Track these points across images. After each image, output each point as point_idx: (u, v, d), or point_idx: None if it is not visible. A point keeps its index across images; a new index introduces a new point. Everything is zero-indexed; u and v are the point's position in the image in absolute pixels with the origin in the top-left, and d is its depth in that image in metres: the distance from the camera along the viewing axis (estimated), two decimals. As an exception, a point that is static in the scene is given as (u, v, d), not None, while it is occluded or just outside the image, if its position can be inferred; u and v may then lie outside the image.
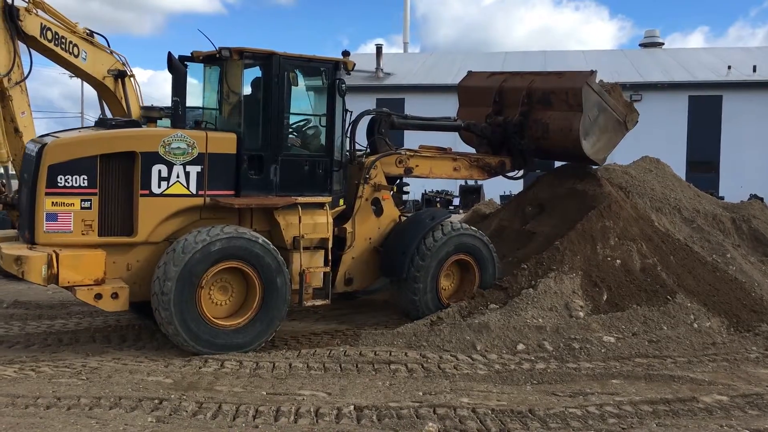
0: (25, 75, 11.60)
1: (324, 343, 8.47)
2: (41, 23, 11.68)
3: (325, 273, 8.62)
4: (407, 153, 10.07)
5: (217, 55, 8.17)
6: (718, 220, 11.85)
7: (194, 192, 7.83)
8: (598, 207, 10.17)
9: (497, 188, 31.87)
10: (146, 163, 7.58)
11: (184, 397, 6.22)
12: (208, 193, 7.89)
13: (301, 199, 8.37)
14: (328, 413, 5.93)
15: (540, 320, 8.60)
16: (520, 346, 8.15)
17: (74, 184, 7.31)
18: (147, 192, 7.60)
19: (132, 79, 12.87)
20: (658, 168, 12.83)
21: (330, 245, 8.68)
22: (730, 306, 9.40)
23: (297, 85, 8.70)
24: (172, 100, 8.04)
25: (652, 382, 7.20)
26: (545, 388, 6.97)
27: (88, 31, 12.44)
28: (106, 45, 12.66)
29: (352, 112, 9.34)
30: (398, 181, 10.30)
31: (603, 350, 8.14)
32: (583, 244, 9.69)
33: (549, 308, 8.81)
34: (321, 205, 8.61)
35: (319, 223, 8.52)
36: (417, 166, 10.14)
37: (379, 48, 48.20)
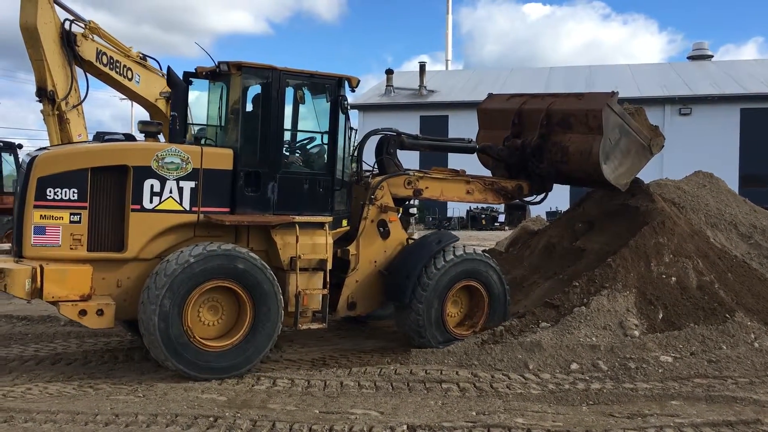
0: (82, 98, 11.94)
1: (374, 361, 8.44)
2: (97, 48, 12.04)
3: (323, 295, 8.27)
4: (416, 174, 9.67)
5: (217, 70, 8.04)
6: (776, 236, 11.49)
7: (187, 208, 7.58)
8: (651, 223, 9.95)
9: (544, 204, 31.57)
10: (138, 178, 7.38)
11: (238, 415, 6.26)
12: (202, 209, 7.64)
13: (298, 218, 8.05)
14: (382, 433, 5.90)
15: (594, 339, 8.43)
16: (574, 366, 8.00)
17: (63, 197, 7.14)
18: (138, 207, 7.39)
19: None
20: (711, 183, 12.52)
21: (329, 267, 8.33)
22: (792, 325, 9.07)
23: (304, 103, 8.57)
24: (171, 115, 7.89)
25: (714, 403, 6.98)
26: (602, 408, 6.82)
27: (141, 55, 12.78)
28: (158, 68, 12.98)
29: (356, 130, 9.05)
30: (407, 202, 9.96)
31: (660, 370, 7.94)
32: (636, 261, 9.49)
33: (602, 327, 8.64)
34: (321, 225, 8.27)
35: (317, 244, 8.21)
36: (427, 187, 9.71)
37: (422, 66, 48.43)
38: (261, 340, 7.60)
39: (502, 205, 32.47)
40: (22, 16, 11.22)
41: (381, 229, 9.11)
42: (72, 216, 7.18)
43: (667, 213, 10.30)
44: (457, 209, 40.35)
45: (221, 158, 7.79)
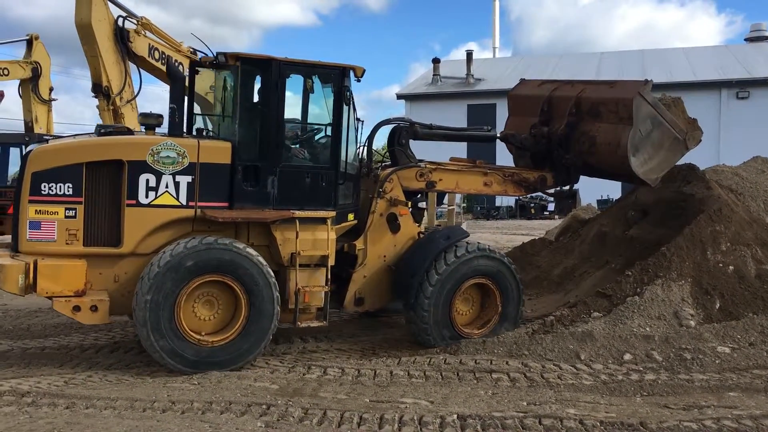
0: (136, 93, 12.24)
1: (423, 350, 8.45)
2: (149, 44, 12.33)
3: (325, 292, 8.06)
4: (429, 166, 9.30)
5: (215, 61, 7.90)
6: (840, 223, 11.06)
7: (184, 203, 7.44)
8: (707, 210, 9.68)
9: (594, 192, 31.05)
10: (133, 172, 7.27)
11: (290, 403, 6.35)
12: (199, 204, 7.49)
13: (298, 213, 7.83)
14: (432, 422, 5.91)
15: (647, 329, 8.27)
16: (627, 356, 7.87)
17: (59, 192, 7.07)
18: (134, 202, 7.28)
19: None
20: (771, 168, 12.11)
21: (331, 263, 8.10)
22: None
23: (314, 92, 8.33)
24: (169, 107, 7.76)
25: (774, 395, 6.79)
26: (656, 400, 6.70)
27: (191, 50, 13.01)
28: (209, 62, 13.18)
29: (363, 121, 8.75)
30: (419, 195, 9.65)
31: (717, 361, 7.75)
32: (691, 249, 9.26)
33: (657, 317, 8.47)
34: (323, 220, 8.02)
35: (319, 240, 7.97)
36: (441, 180, 9.34)
37: (469, 54, 48.00)
38: (256, 335, 7.48)
39: (552, 194, 32.20)
40: (78, 14, 11.55)
41: (391, 223, 8.83)
42: (67, 211, 7.13)
43: (724, 200, 10.02)
44: (505, 198, 40.00)
45: (219, 152, 7.61)
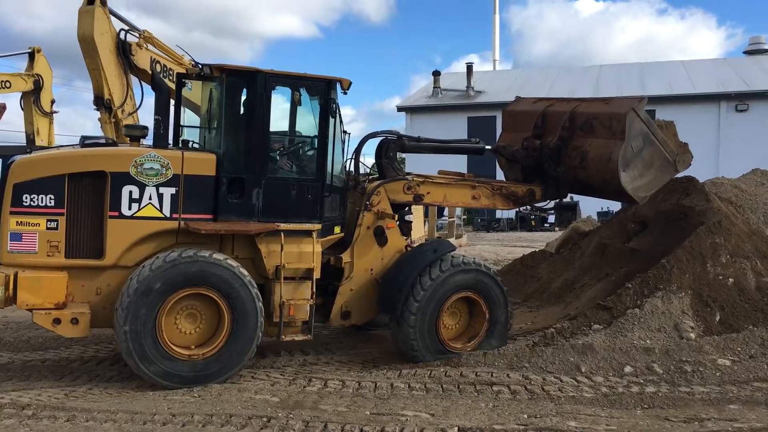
0: (137, 106, 12.27)
1: (424, 363, 8.45)
2: (151, 57, 12.37)
3: (310, 306, 7.96)
4: (417, 179, 9.24)
5: (200, 73, 7.85)
6: (840, 235, 11.08)
7: (168, 215, 7.38)
8: (706, 223, 9.71)
9: (594, 205, 31.08)
10: (116, 184, 7.22)
11: (291, 415, 6.35)
12: (183, 216, 7.43)
13: (283, 226, 7.74)
14: (433, 434, 5.91)
15: (648, 342, 8.27)
16: (628, 369, 7.87)
17: (40, 204, 7.02)
18: (117, 214, 7.21)
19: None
20: (770, 181, 12.15)
21: (316, 276, 8.00)
22: None
23: (301, 105, 8.30)
24: (154, 119, 7.71)
25: (774, 408, 6.78)
26: (657, 412, 6.69)
27: (192, 63, 13.07)
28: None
29: (350, 134, 8.73)
30: (407, 208, 9.64)
31: (718, 374, 7.74)
32: (691, 262, 9.28)
33: (657, 329, 8.47)
34: (308, 233, 7.93)
35: (304, 252, 7.88)
36: (428, 193, 9.28)
37: (469, 67, 48.19)
38: (239, 349, 7.40)
39: (552, 206, 32.21)
40: (80, 28, 11.60)
41: (378, 236, 8.73)
42: (49, 222, 7.07)
43: (724, 212, 10.05)
44: (506, 210, 39.91)
45: (203, 163, 7.57)
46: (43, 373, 7.96)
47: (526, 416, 6.46)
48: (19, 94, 19.06)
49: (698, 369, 7.80)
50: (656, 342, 8.28)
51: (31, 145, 18.37)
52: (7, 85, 18.60)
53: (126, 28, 12.07)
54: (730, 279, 9.22)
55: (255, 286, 7.51)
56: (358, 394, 7.16)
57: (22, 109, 19.29)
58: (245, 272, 7.47)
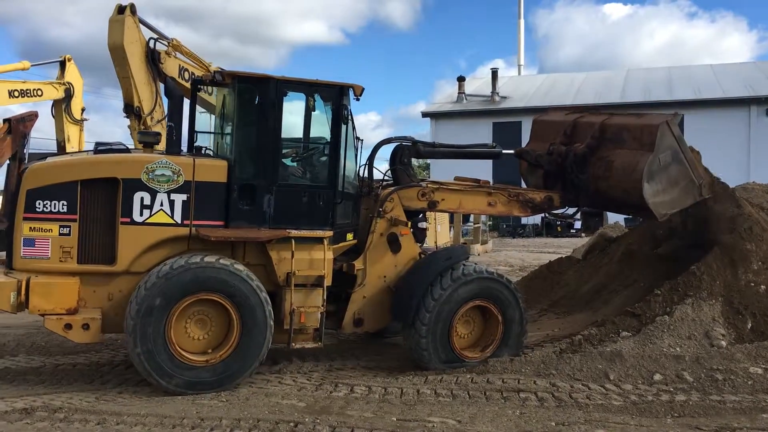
0: (166, 113, 12.43)
1: (450, 369, 8.42)
2: (179, 65, 12.55)
3: (321, 313, 7.91)
4: (431, 185, 9.20)
5: (213, 79, 7.90)
6: None
7: (179, 221, 7.41)
8: (737, 229, 9.57)
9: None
10: (128, 190, 7.26)
11: (318, 420, 6.37)
12: (194, 223, 7.45)
13: (294, 233, 7.74)
14: (460, 441, 5.89)
15: (678, 349, 8.17)
16: (657, 377, 7.77)
17: (53, 210, 7.09)
18: (128, 220, 7.26)
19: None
20: (803, 186, 11.93)
21: (328, 283, 7.94)
22: None
23: (315, 110, 8.31)
24: (167, 126, 7.75)
25: (809, 417, 6.65)
26: (687, 421, 6.60)
27: (219, 69, 13.20)
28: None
29: (362, 140, 8.62)
30: (421, 215, 9.60)
31: (750, 382, 7.61)
32: (722, 268, 9.15)
33: (687, 336, 8.36)
34: (319, 240, 7.88)
35: (315, 260, 7.83)
36: (443, 199, 9.20)
37: (494, 72, 48.08)
38: (249, 355, 7.40)
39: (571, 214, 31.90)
40: (110, 37, 11.81)
41: (391, 243, 8.68)
42: (61, 228, 7.13)
43: (755, 218, 9.89)
44: (531, 217, 39.65)
45: (214, 170, 7.60)
46: (74, 376, 8.08)
47: (553, 424, 6.41)
48: (51, 102, 19.38)
49: (730, 377, 7.68)
50: (686, 350, 8.17)
51: (62, 152, 18.66)
52: (39, 93, 18.91)
53: (155, 36, 12.26)
54: (763, 286, 9.07)
55: (263, 289, 7.48)
56: (385, 399, 7.16)
57: (54, 117, 19.59)
58: (241, 267, 7.44)
